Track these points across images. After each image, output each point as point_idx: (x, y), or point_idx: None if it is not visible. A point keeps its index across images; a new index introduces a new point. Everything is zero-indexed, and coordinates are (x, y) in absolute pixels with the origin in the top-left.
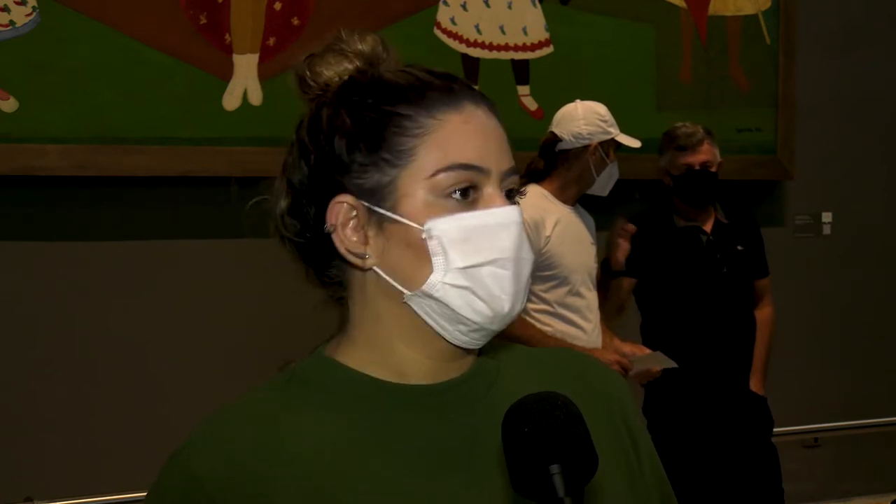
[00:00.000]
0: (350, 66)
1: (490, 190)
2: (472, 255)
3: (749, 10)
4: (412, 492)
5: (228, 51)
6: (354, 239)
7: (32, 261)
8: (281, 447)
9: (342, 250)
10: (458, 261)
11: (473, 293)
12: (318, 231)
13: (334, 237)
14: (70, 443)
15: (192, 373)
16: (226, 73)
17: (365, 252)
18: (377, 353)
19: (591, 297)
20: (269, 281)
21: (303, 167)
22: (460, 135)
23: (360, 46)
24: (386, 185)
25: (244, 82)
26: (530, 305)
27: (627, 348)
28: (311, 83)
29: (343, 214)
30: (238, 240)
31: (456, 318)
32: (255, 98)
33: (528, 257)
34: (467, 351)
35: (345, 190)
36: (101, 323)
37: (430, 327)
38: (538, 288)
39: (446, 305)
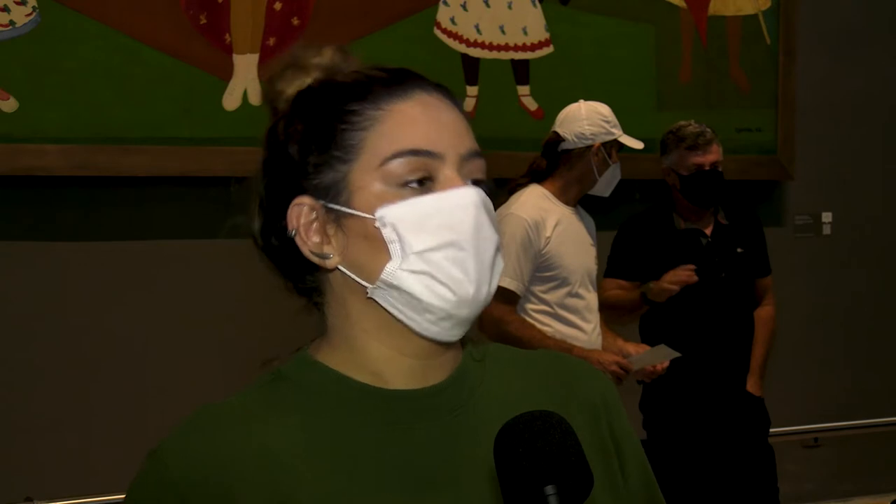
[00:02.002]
0: (308, 80)
1: (448, 173)
2: (428, 239)
3: (749, 10)
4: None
5: (228, 51)
6: (316, 240)
7: (32, 261)
8: (256, 450)
9: (306, 252)
10: (415, 245)
11: (433, 277)
12: (287, 239)
13: (297, 240)
14: (70, 443)
15: (192, 372)
16: (226, 73)
17: (327, 252)
18: (355, 356)
19: (591, 297)
20: (270, 281)
21: (265, 178)
22: (409, 122)
23: (315, 60)
24: (339, 181)
25: (244, 82)
26: (530, 306)
27: (630, 348)
28: (277, 103)
29: (304, 216)
30: (238, 240)
31: (420, 306)
32: (255, 98)
33: (489, 236)
34: (444, 346)
35: (303, 192)
36: (100, 323)
37: (399, 320)
38: (538, 289)
39: (408, 293)
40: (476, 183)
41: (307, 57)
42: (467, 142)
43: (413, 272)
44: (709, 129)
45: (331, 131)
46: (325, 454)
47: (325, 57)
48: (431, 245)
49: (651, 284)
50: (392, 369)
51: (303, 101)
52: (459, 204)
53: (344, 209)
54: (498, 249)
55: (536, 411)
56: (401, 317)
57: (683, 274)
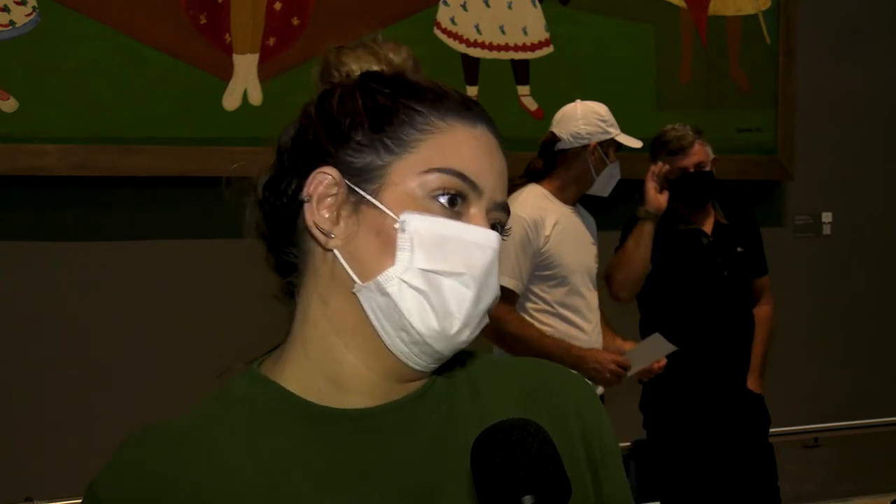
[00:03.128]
0: (376, 67)
1: (476, 210)
2: (438, 262)
3: (749, 10)
4: None
5: (228, 51)
6: (326, 215)
7: (32, 261)
8: (195, 481)
9: (310, 222)
10: (423, 262)
11: (428, 301)
12: (291, 203)
13: (306, 207)
14: (70, 442)
15: (192, 373)
16: (226, 73)
17: (332, 231)
18: (316, 359)
19: (592, 297)
20: (271, 281)
21: (298, 137)
22: (466, 146)
23: (391, 55)
24: (376, 168)
25: (244, 82)
26: (530, 305)
27: (628, 347)
28: (335, 71)
29: (324, 187)
30: (239, 240)
31: (401, 322)
32: (255, 98)
33: (493, 286)
34: (412, 372)
35: (333, 163)
36: (100, 323)
37: (373, 327)
38: (538, 288)
39: (395, 305)
40: (493, 229)
41: (384, 47)
42: (503, 192)
43: (410, 286)
44: (691, 131)
45: (390, 117)
46: (274, 480)
47: (401, 55)
48: (439, 269)
49: (640, 208)
50: (352, 381)
51: (372, 79)
52: (481, 243)
53: (369, 198)
54: (493, 303)
55: (515, 419)
56: (376, 324)
57: (656, 167)
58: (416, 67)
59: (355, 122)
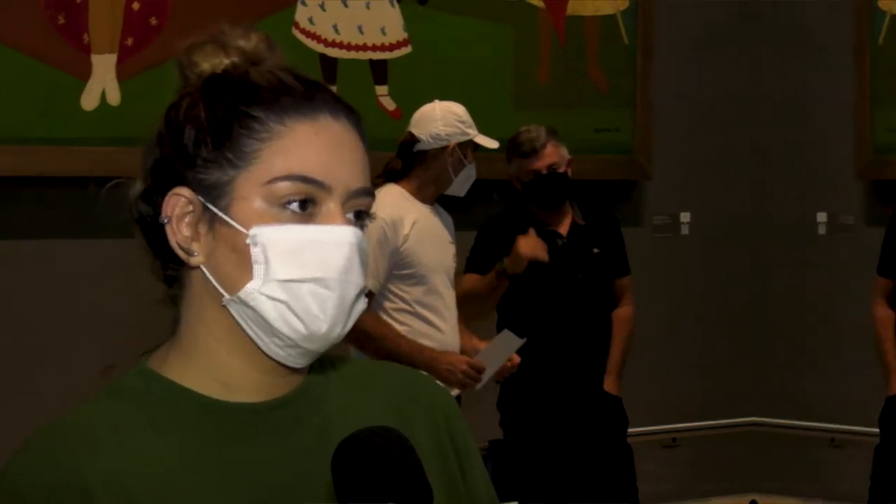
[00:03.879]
0: (226, 61)
1: (331, 206)
2: (294, 270)
3: (607, 10)
4: None
5: (87, 51)
6: (186, 234)
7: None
8: (103, 468)
9: (173, 243)
10: (280, 273)
11: (289, 308)
12: (159, 222)
13: (167, 229)
14: None
15: (71, 376)
16: (84, 73)
17: (193, 249)
18: (202, 362)
19: (449, 296)
20: (129, 280)
21: (156, 154)
22: (306, 146)
23: (240, 43)
24: (224, 184)
25: (102, 82)
26: (389, 305)
27: (484, 347)
28: (189, 73)
29: (180, 208)
30: (100, 240)
31: (270, 330)
32: (114, 98)
33: (355, 281)
34: (292, 368)
35: (185, 183)
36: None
37: (249, 336)
38: (397, 287)
39: (261, 316)
40: (359, 216)
41: (232, 37)
42: (360, 178)
43: (270, 298)
44: (543, 133)
45: (228, 131)
46: (171, 475)
47: (251, 42)
48: (296, 276)
49: (504, 259)
50: (239, 380)
51: (212, 87)
52: (335, 241)
53: (221, 215)
54: (361, 293)
55: (376, 427)
56: (251, 333)
57: (538, 244)
58: (270, 49)
59: (198, 139)
